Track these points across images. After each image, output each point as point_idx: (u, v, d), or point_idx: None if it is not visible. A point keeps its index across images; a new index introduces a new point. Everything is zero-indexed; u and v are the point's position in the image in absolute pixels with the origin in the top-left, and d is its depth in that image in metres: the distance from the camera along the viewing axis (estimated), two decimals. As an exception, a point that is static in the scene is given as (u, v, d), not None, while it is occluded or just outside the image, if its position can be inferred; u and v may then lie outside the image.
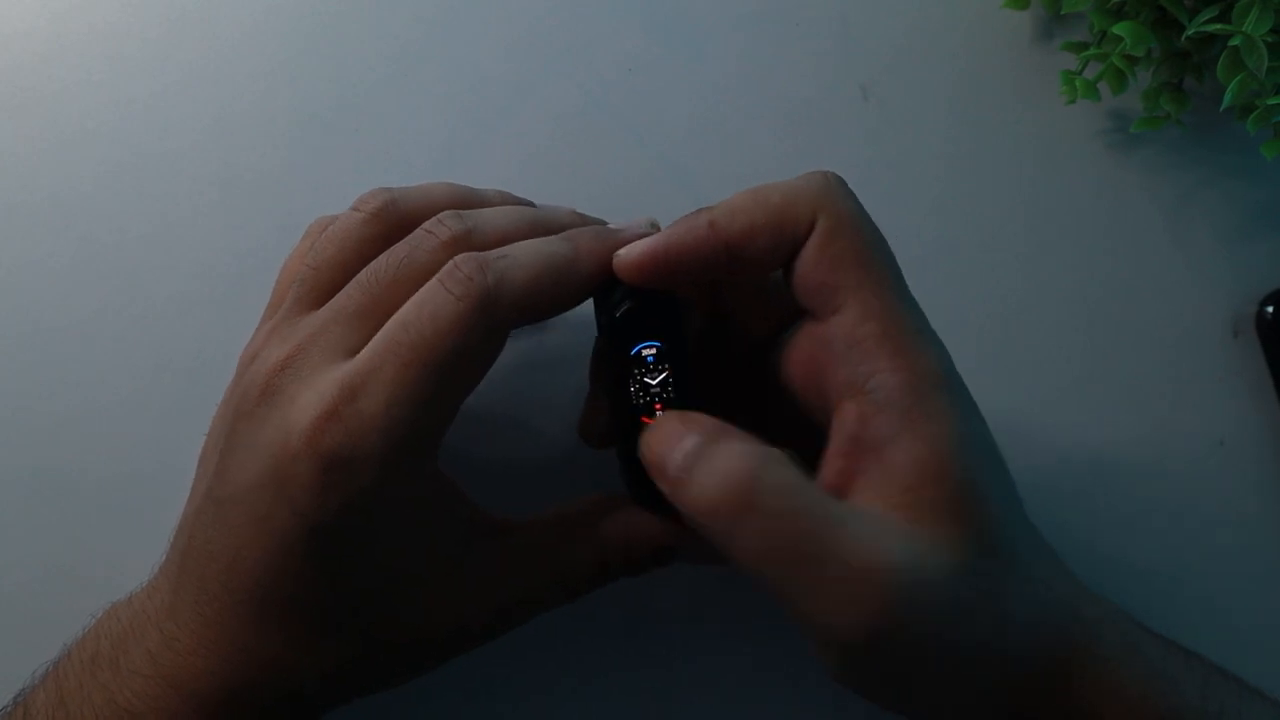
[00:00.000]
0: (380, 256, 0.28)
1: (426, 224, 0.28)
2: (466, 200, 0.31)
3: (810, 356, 0.27)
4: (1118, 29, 0.36)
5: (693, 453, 0.24)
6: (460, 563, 0.28)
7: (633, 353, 0.28)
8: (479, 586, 0.28)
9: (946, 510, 0.24)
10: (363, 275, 0.28)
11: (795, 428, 0.29)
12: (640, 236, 0.28)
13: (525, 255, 0.27)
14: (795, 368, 0.28)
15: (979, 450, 0.26)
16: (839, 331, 0.26)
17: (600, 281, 0.28)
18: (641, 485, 0.28)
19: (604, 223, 0.31)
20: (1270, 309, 0.37)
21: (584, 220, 0.32)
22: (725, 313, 0.31)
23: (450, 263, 0.26)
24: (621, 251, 0.28)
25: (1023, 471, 0.27)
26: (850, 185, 0.27)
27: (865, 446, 0.25)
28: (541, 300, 0.27)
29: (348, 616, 0.27)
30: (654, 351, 0.28)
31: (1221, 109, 0.35)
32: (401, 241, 0.28)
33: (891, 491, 0.24)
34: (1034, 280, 0.38)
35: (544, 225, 0.30)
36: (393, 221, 0.29)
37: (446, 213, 0.29)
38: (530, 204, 0.34)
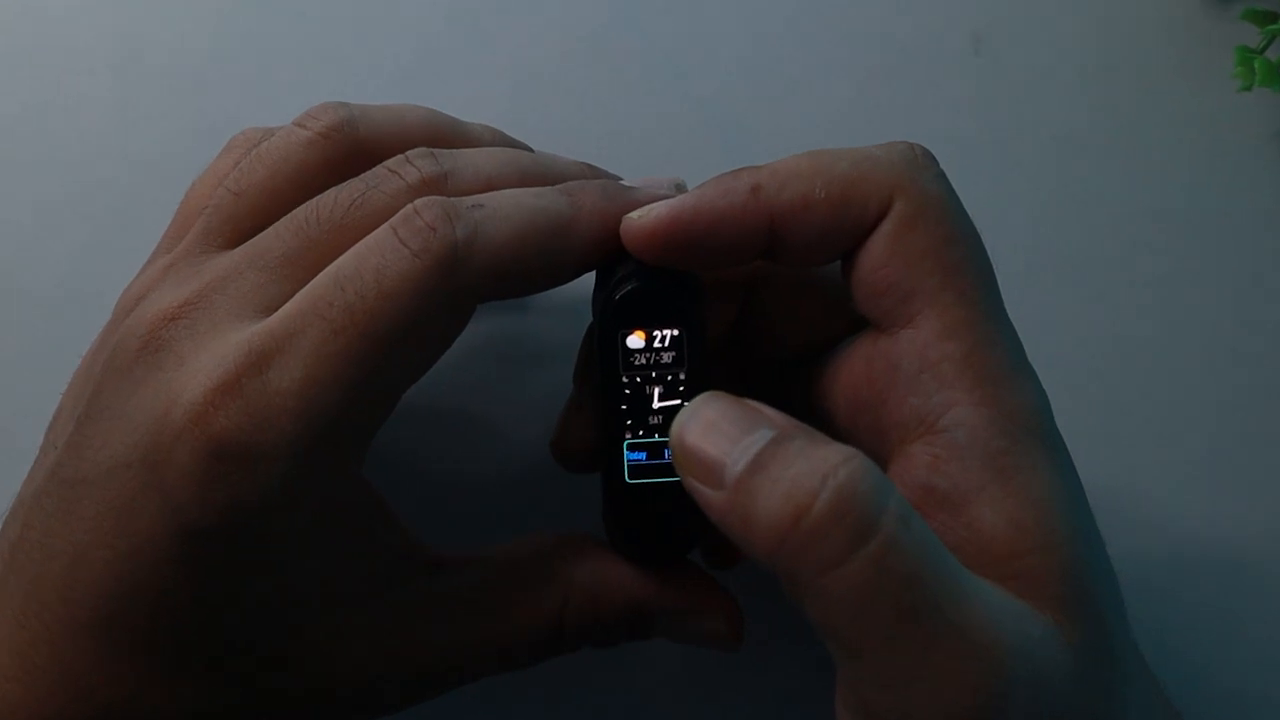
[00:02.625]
0: (326, 193, 0.28)
1: (391, 161, 0.28)
2: (447, 134, 0.31)
3: (867, 379, 0.27)
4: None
5: (774, 447, 0.24)
6: (376, 603, 0.28)
7: (632, 348, 0.28)
8: (397, 638, 0.28)
9: (1054, 591, 0.24)
10: (299, 212, 0.28)
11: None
12: (660, 199, 0.28)
13: (508, 207, 0.27)
14: (845, 392, 0.28)
15: (1084, 521, 0.26)
16: (909, 349, 0.26)
17: (604, 252, 0.28)
18: (627, 524, 0.28)
19: (618, 179, 0.31)
20: None
21: (594, 174, 0.32)
22: (759, 312, 0.31)
23: (409, 206, 0.26)
24: (633, 215, 0.27)
25: (1116, 554, 0.27)
26: (943, 163, 0.27)
27: (940, 499, 0.25)
28: (524, 268, 0.27)
29: (225, 653, 0.26)
30: (661, 349, 0.28)
31: None
32: (356, 178, 0.28)
33: (979, 559, 0.24)
34: (1170, 314, 0.38)
35: (541, 175, 0.29)
36: (347, 147, 0.29)
37: (418, 149, 0.29)
38: (527, 148, 0.34)
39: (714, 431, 0.25)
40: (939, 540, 0.23)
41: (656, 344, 0.28)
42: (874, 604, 0.22)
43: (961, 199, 0.27)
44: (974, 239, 0.27)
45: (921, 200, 0.26)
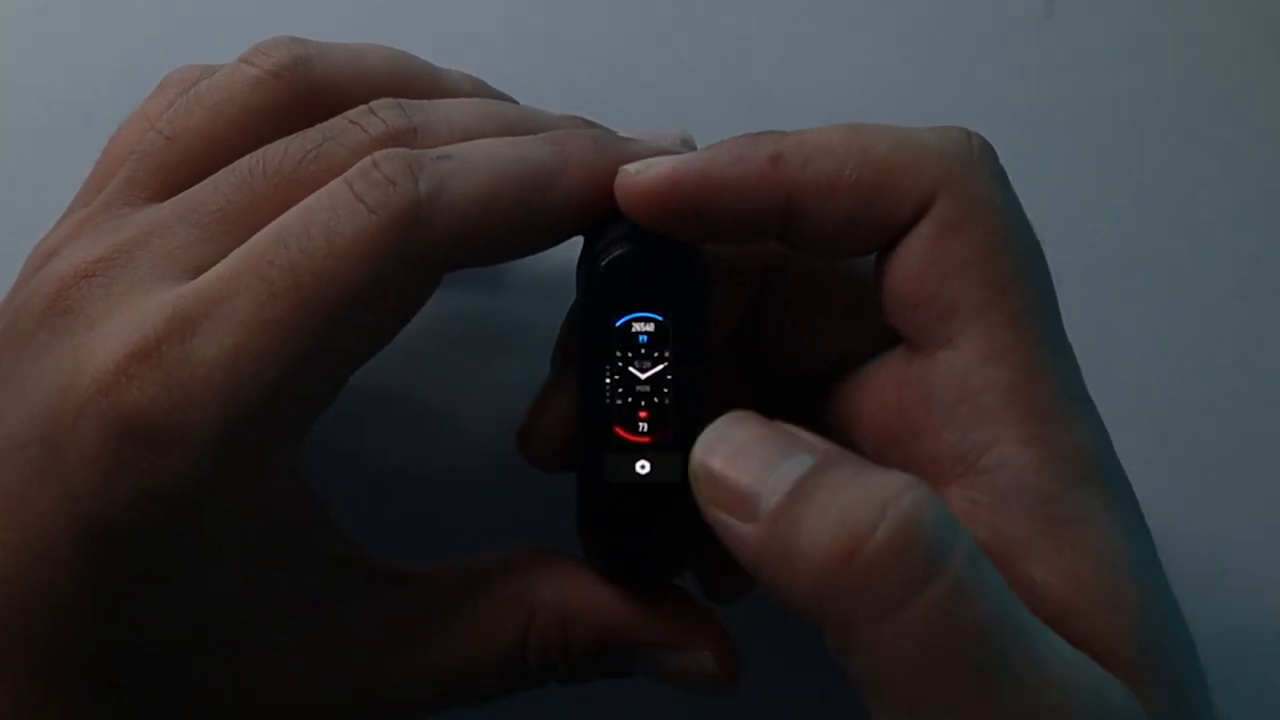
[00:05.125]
0: (274, 143, 0.28)
1: (353, 111, 0.28)
2: (418, 81, 0.31)
3: (898, 407, 0.27)
4: None
5: (817, 475, 0.24)
6: (311, 622, 0.28)
7: (617, 324, 0.28)
8: (334, 663, 0.28)
9: (1128, 657, 0.24)
10: (242, 163, 0.28)
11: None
12: (663, 153, 0.28)
13: (480, 158, 0.27)
14: (874, 421, 0.28)
15: (1155, 579, 0.25)
16: (947, 375, 0.26)
17: (593, 213, 0.28)
18: (605, 534, 0.29)
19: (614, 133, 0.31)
20: None
21: (587, 127, 0.32)
22: (774, 309, 0.31)
23: (367, 158, 0.26)
24: (630, 167, 0.27)
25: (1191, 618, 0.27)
26: (1003, 143, 0.27)
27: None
28: (498, 228, 0.27)
29: (132, 676, 0.27)
30: (650, 328, 0.28)
31: None
32: (311, 128, 0.28)
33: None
34: (1268, 332, 0.38)
35: (525, 130, 0.30)
36: (300, 91, 0.30)
37: (385, 100, 0.29)
38: (512, 101, 0.34)
39: (744, 455, 0.25)
40: (1008, 587, 0.23)
41: (647, 320, 0.28)
42: (937, 656, 0.22)
43: (1024, 185, 0.27)
44: (1032, 249, 0.27)
45: (970, 202, 0.26)
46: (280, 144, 0.28)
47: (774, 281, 0.31)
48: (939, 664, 0.22)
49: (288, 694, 0.28)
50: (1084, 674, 0.23)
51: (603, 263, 0.28)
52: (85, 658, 0.26)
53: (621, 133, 0.31)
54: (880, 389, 0.28)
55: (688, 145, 0.29)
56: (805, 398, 0.31)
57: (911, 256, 0.26)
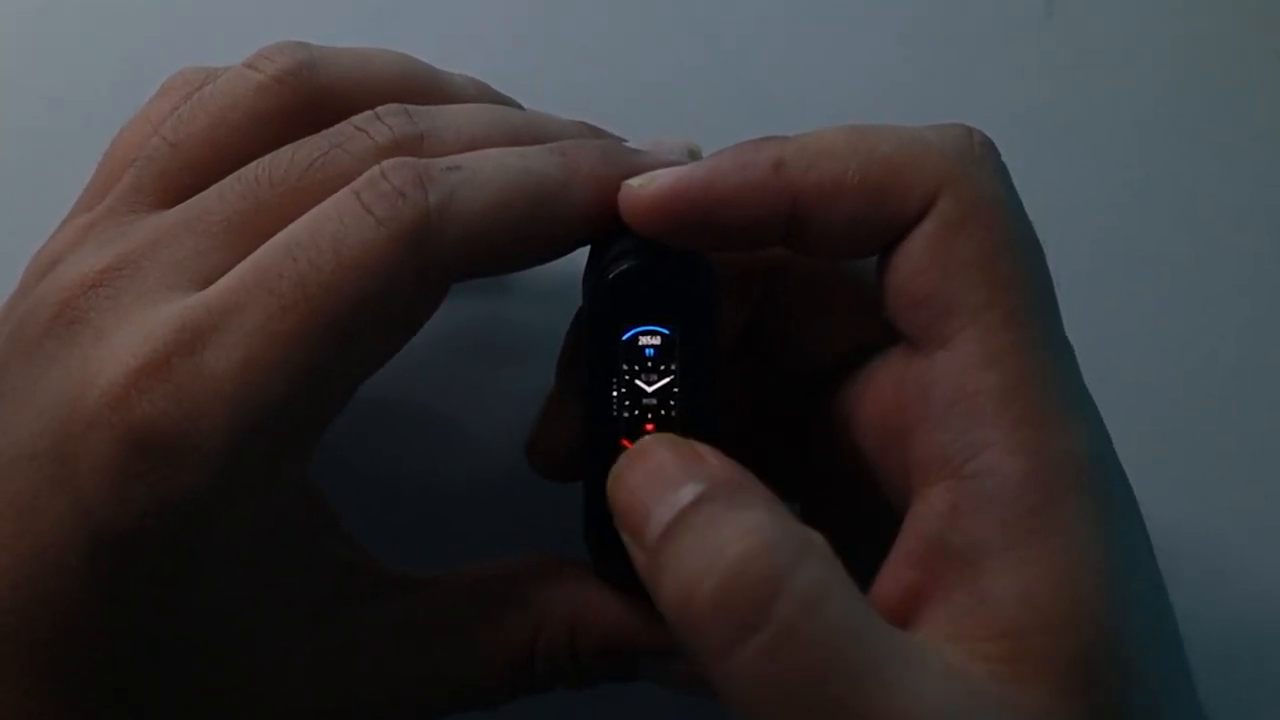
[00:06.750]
0: (280, 150, 0.28)
1: (359, 118, 0.28)
2: (423, 85, 0.31)
3: (895, 404, 0.27)
4: None
5: (687, 512, 0.24)
6: (320, 629, 0.28)
7: (624, 338, 0.28)
8: (343, 669, 0.28)
9: (1063, 676, 0.23)
10: (248, 170, 0.28)
11: (852, 505, 0.30)
12: (669, 165, 0.28)
13: (489, 169, 0.27)
14: (873, 419, 0.28)
15: (1133, 591, 0.25)
16: (943, 375, 0.26)
17: (600, 225, 0.28)
18: (613, 543, 0.28)
19: (622, 141, 0.31)
20: None
21: (594, 135, 0.32)
22: (778, 311, 0.31)
23: (376, 168, 0.26)
24: (633, 182, 0.27)
25: (1192, 618, 0.27)
26: (1003, 144, 0.27)
27: (952, 557, 0.25)
28: (506, 240, 0.27)
29: (139, 683, 0.27)
30: (657, 341, 0.28)
31: None
32: (317, 135, 0.28)
33: (981, 633, 0.24)
34: (1270, 331, 0.38)
35: (533, 138, 0.30)
36: (305, 96, 0.29)
37: (391, 106, 0.29)
38: (517, 105, 0.34)
39: (653, 478, 0.26)
40: (874, 620, 0.23)
41: (654, 334, 0.28)
42: (770, 701, 0.23)
43: (1024, 185, 0.27)
44: (1032, 248, 0.27)
45: (973, 199, 0.26)
46: (286, 151, 0.28)
47: (776, 283, 0.31)
48: (776, 709, 0.23)
49: (295, 699, 0.28)
50: (960, 696, 0.23)
51: (610, 276, 0.28)
52: (92, 664, 0.26)
53: (629, 143, 0.31)
54: (880, 387, 0.28)
55: (695, 155, 0.29)
56: (806, 397, 0.31)
57: (914, 254, 0.26)
